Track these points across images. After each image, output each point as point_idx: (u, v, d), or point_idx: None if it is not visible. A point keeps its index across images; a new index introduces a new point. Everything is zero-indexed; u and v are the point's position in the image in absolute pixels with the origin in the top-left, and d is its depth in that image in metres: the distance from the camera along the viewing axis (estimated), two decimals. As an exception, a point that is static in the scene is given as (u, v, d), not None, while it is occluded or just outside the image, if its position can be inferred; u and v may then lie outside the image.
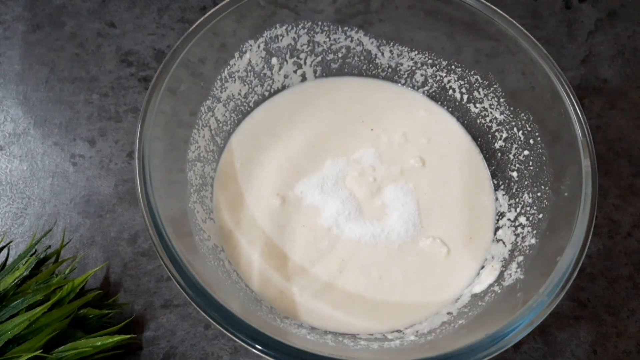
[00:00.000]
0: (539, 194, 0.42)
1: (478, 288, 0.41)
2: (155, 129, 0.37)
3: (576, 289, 0.48)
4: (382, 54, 0.49)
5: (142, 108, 0.37)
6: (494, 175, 0.48)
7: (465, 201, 0.46)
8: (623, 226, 0.51)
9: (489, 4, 0.42)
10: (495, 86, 0.45)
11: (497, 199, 0.47)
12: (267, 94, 0.49)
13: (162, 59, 0.53)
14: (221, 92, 0.45)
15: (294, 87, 0.51)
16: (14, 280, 0.39)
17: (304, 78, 0.50)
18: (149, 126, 0.37)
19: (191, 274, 0.33)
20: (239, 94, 0.47)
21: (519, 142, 0.44)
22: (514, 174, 0.45)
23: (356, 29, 0.47)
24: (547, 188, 0.41)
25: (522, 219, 0.43)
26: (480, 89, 0.47)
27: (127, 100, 0.54)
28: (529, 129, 0.43)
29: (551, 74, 0.40)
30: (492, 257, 0.44)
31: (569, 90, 0.39)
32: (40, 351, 0.37)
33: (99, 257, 0.48)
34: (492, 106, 0.46)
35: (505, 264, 0.41)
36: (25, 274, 0.40)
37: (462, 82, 0.48)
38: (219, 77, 0.44)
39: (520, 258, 0.40)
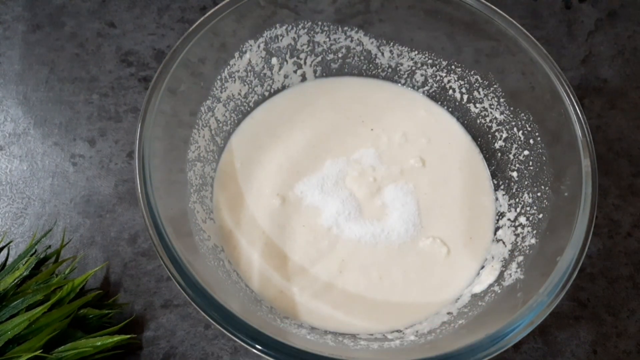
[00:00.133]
0: (539, 194, 0.42)
1: (478, 288, 0.41)
2: (155, 129, 0.37)
3: (576, 289, 0.48)
4: (382, 54, 0.49)
5: (142, 108, 0.37)
6: (494, 175, 0.48)
7: (465, 201, 0.46)
8: (623, 226, 0.51)
9: (489, 4, 0.42)
10: (495, 86, 0.45)
11: (497, 199, 0.47)
12: (267, 94, 0.49)
13: (162, 59, 0.53)
14: (221, 92, 0.45)
15: (294, 87, 0.51)
16: (14, 280, 0.39)
17: (304, 78, 0.50)
18: (149, 126, 0.37)
19: (191, 274, 0.33)
20: (239, 94, 0.47)
21: (519, 142, 0.44)
22: (514, 174, 0.45)
23: (356, 29, 0.47)
24: (547, 188, 0.41)
25: (522, 219, 0.43)
26: (480, 89, 0.47)
27: (127, 100, 0.54)
28: (529, 129, 0.43)
29: (551, 74, 0.40)
30: (492, 257, 0.44)
31: (569, 90, 0.39)
32: (40, 351, 0.37)
33: (99, 257, 0.48)
34: (492, 106, 0.46)
35: (505, 264, 0.41)
36: (25, 274, 0.40)
37: (462, 82, 0.48)
38: (219, 77, 0.44)
39: (520, 258, 0.40)
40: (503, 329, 0.33)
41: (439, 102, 0.51)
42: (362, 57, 0.50)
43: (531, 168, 0.43)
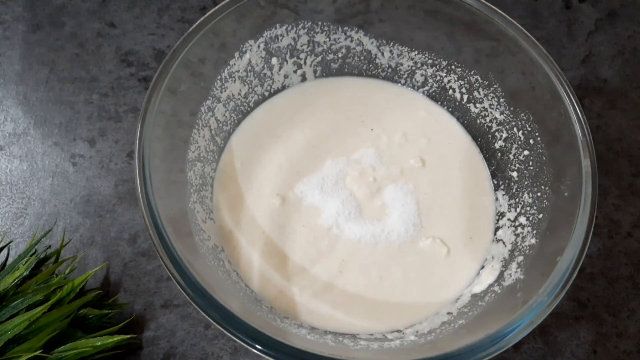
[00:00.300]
0: (539, 194, 0.42)
1: (478, 288, 0.41)
2: (155, 129, 0.37)
3: (576, 289, 0.48)
4: (382, 54, 0.49)
5: (142, 108, 0.37)
6: (494, 175, 0.48)
7: (465, 201, 0.46)
8: (623, 226, 0.51)
9: (489, 4, 0.42)
10: (495, 86, 0.45)
11: (497, 199, 0.47)
12: (267, 94, 0.49)
13: (162, 59, 0.53)
14: (221, 92, 0.45)
15: (294, 87, 0.51)
16: (14, 280, 0.39)
17: (304, 78, 0.50)
18: (149, 126, 0.37)
19: (191, 274, 0.33)
20: (239, 94, 0.47)
21: (519, 142, 0.44)
22: (514, 174, 0.45)
23: (356, 29, 0.47)
24: (547, 188, 0.41)
25: (522, 219, 0.43)
26: (480, 89, 0.47)
27: (127, 100, 0.54)
28: (529, 129, 0.43)
29: (551, 74, 0.40)
30: (492, 257, 0.44)
31: (569, 90, 0.39)
32: (40, 351, 0.37)
33: (99, 257, 0.48)
34: (492, 106, 0.46)
35: (505, 264, 0.41)
36: (25, 274, 0.40)
37: (462, 82, 0.48)
38: (219, 77, 0.44)
39: (520, 258, 0.40)
40: (503, 329, 0.33)
41: (439, 102, 0.51)
42: (362, 57, 0.50)
43: (531, 168, 0.43)
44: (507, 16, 0.42)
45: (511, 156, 0.45)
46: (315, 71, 0.50)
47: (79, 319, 0.41)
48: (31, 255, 0.42)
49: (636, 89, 0.57)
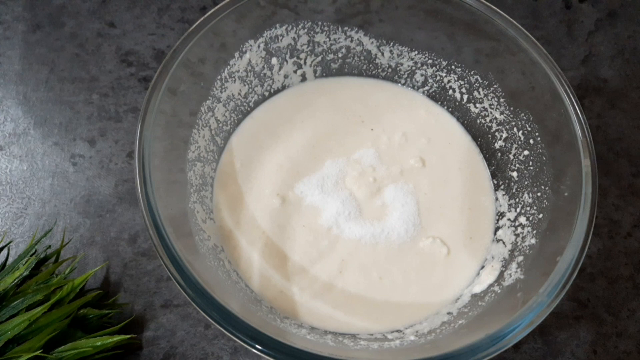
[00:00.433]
0: (539, 194, 0.42)
1: (478, 288, 0.41)
2: (155, 129, 0.37)
3: (576, 289, 0.48)
4: (382, 54, 0.49)
5: (142, 108, 0.37)
6: (494, 175, 0.48)
7: (465, 201, 0.46)
8: (623, 226, 0.51)
9: (489, 4, 0.42)
10: (495, 86, 0.45)
11: (497, 199, 0.47)
12: (267, 94, 0.49)
13: (162, 59, 0.53)
14: (221, 92, 0.45)
15: (294, 87, 0.51)
16: (14, 280, 0.39)
17: (304, 78, 0.50)
18: (149, 126, 0.37)
19: (191, 274, 0.33)
20: (239, 94, 0.47)
21: (519, 142, 0.44)
22: (514, 174, 0.45)
23: (356, 29, 0.47)
24: (547, 188, 0.41)
25: (522, 219, 0.43)
26: (480, 89, 0.47)
27: (127, 100, 0.54)
28: (529, 129, 0.43)
29: (551, 74, 0.40)
30: (492, 257, 0.44)
31: (569, 90, 0.39)
32: (40, 351, 0.37)
33: (99, 257, 0.48)
34: (492, 106, 0.46)
35: (505, 264, 0.41)
36: (25, 274, 0.40)
37: (462, 82, 0.48)
38: (219, 77, 0.44)
39: (520, 258, 0.40)
40: (503, 329, 0.33)
41: (439, 102, 0.51)
42: (362, 57, 0.50)
43: (531, 168, 0.43)
44: (507, 16, 0.42)
45: (511, 156, 0.45)
46: (315, 71, 0.50)
47: (79, 319, 0.41)
48: (31, 255, 0.42)
49: (636, 89, 0.57)
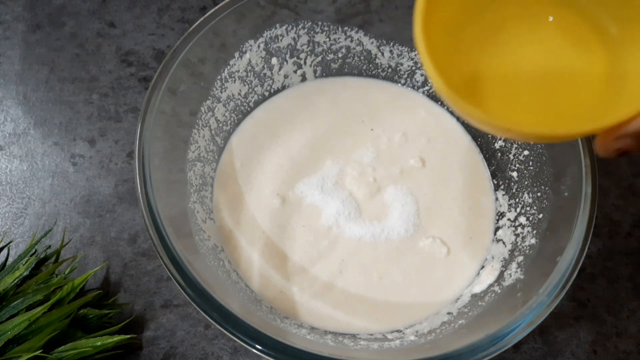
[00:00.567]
0: (539, 194, 0.42)
1: (478, 288, 0.41)
2: (155, 129, 0.37)
3: (576, 289, 0.48)
4: (382, 54, 0.49)
5: (142, 108, 0.37)
6: (494, 175, 0.48)
7: (465, 201, 0.46)
8: (623, 226, 0.51)
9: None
10: (495, 86, 0.45)
11: (497, 199, 0.47)
12: (267, 94, 0.49)
13: (162, 59, 0.53)
14: (221, 92, 0.45)
15: (294, 87, 0.51)
16: (14, 280, 0.39)
17: (304, 78, 0.50)
18: (149, 126, 0.37)
19: (191, 274, 0.33)
20: (239, 94, 0.47)
21: (519, 142, 0.44)
22: (514, 174, 0.45)
23: (356, 29, 0.47)
24: (547, 188, 0.41)
25: (522, 219, 0.43)
26: (480, 89, 0.47)
27: (127, 100, 0.54)
28: (529, 129, 0.43)
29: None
30: (492, 257, 0.44)
31: (569, 90, 0.39)
32: (40, 351, 0.37)
33: (99, 257, 0.48)
34: (492, 106, 0.46)
35: (505, 264, 0.41)
36: (25, 274, 0.40)
37: (462, 82, 0.48)
38: (219, 77, 0.44)
39: (520, 258, 0.40)
40: (503, 329, 0.33)
41: (439, 102, 0.51)
42: (362, 57, 0.50)
43: (531, 168, 0.43)
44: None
45: (511, 156, 0.45)
46: (315, 71, 0.50)
47: (79, 319, 0.41)
48: (31, 255, 0.42)
49: (636, 89, 0.57)
